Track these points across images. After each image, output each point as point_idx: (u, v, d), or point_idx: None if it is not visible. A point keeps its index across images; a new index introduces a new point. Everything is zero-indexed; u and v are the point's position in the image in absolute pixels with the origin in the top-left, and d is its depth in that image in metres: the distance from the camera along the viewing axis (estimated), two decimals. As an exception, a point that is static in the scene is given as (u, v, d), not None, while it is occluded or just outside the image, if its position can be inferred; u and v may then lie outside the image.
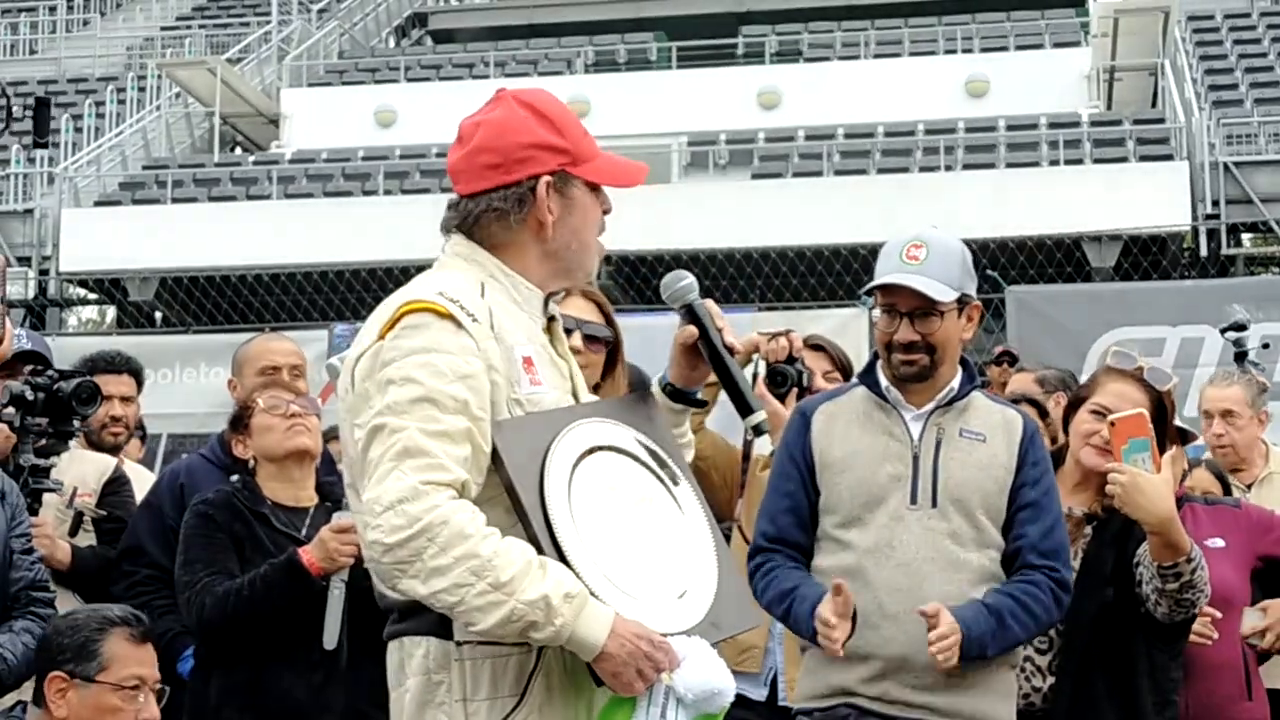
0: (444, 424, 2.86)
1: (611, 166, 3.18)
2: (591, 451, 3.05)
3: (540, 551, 2.87)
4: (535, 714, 2.92)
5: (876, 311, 4.18)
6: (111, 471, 5.58)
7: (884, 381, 4.09)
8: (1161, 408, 4.43)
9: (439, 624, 2.92)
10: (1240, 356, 8.23)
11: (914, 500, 4.00)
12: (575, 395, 3.19)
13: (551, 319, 3.23)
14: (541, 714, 2.93)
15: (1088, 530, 4.39)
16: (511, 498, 2.93)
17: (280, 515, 4.77)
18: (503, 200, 3.10)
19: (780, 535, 4.09)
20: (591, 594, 2.86)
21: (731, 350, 3.28)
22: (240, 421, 4.92)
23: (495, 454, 2.94)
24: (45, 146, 22.97)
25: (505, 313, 3.05)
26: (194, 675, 4.74)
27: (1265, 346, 9.16)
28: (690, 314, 3.29)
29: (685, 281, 3.29)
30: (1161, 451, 4.30)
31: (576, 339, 4.19)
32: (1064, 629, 4.28)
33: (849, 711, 3.96)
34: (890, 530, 3.98)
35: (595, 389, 4.10)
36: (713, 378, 3.33)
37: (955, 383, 4.09)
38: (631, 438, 3.14)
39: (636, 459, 3.13)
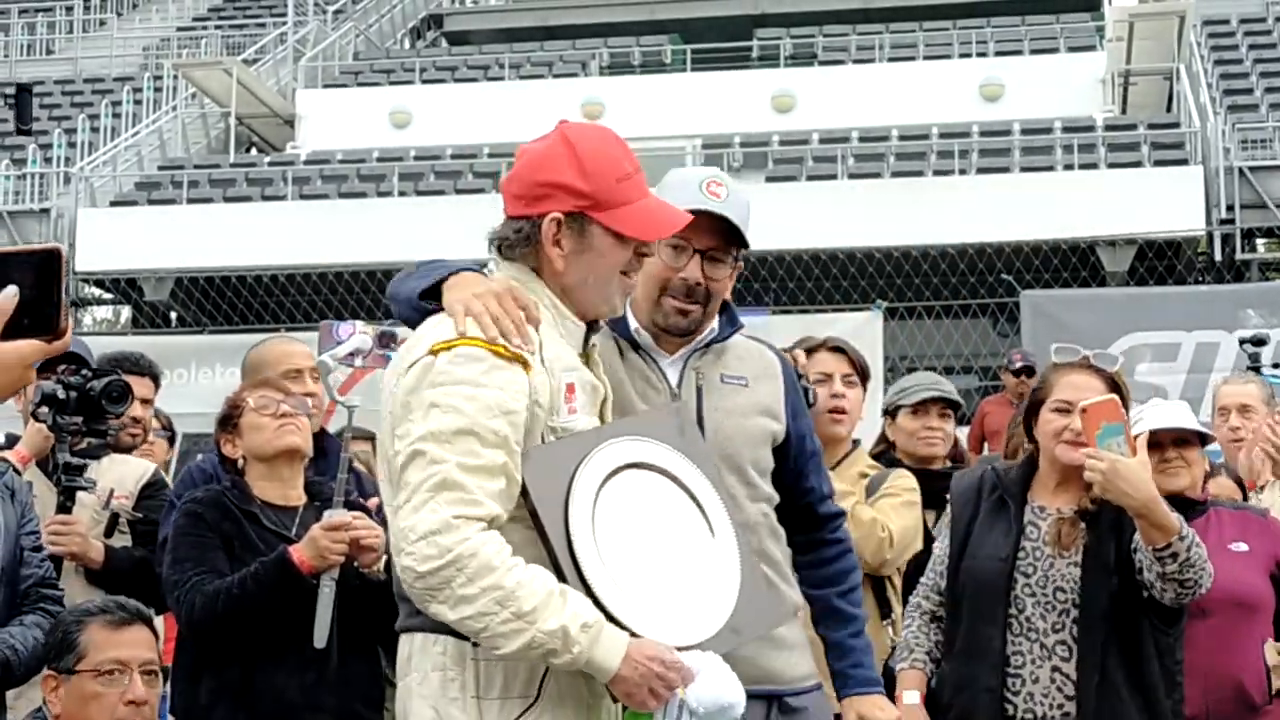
0: (483, 458, 2.99)
1: (637, 216, 3.21)
2: (620, 470, 3.15)
3: (560, 573, 3.01)
4: (547, 714, 3.05)
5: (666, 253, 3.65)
6: (150, 475, 5.62)
7: (634, 323, 3.72)
8: (1117, 388, 4.39)
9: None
10: (1253, 371, 8.25)
11: None
12: (602, 419, 3.29)
13: (591, 345, 3.33)
14: (554, 716, 3.06)
15: (1083, 526, 4.37)
16: (535, 523, 3.05)
17: (270, 514, 4.74)
18: (516, 231, 3.22)
19: None
20: (610, 618, 2.99)
21: None
22: (229, 421, 4.90)
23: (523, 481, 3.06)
24: (29, 134, 23.01)
25: (550, 340, 3.16)
26: (184, 675, 4.73)
27: (1277, 366, 9.17)
28: None
29: None
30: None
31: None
32: (1080, 625, 4.29)
33: None
34: None
35: None
36: None
37: (715, 324, 3.75)
38: (659, 451, 3.22)
39: (664, 472, 3.22)
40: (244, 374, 5.56)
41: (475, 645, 3.04)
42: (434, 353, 3.06)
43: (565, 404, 3.14)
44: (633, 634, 3.00)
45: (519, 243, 3.22)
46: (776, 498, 3.79)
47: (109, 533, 5.37)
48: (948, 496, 4.75)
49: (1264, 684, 5.01)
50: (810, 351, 5.30)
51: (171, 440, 7.41)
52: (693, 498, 3.22)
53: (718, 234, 3.64)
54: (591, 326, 3.31)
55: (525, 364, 3.06)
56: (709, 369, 3.73)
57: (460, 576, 2.92)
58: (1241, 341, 8.90)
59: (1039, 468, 4.52)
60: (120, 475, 5.50)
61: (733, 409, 3.72)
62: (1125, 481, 4.11)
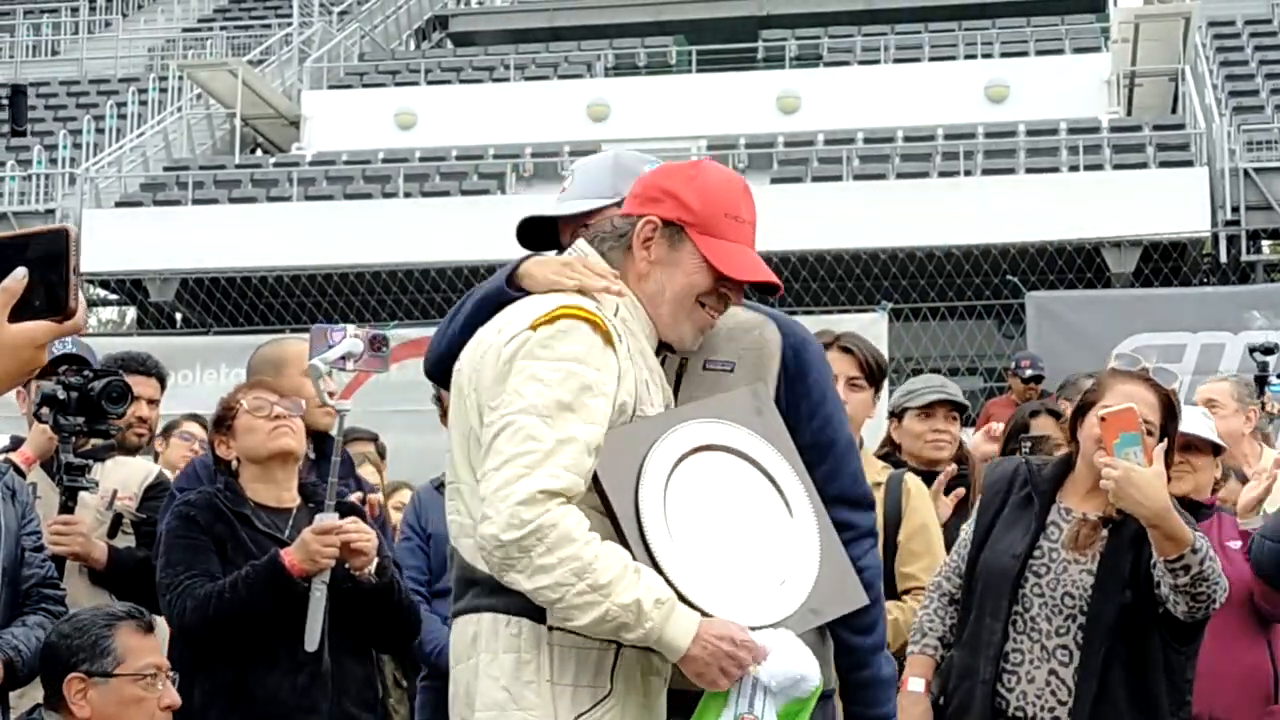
0: (575, 434, 3.02)
1: (732, 253, 3.26)
2: (695, 451, 3.18)
3: (633, 555, 3.04)
4: (619, 706, 3.10)
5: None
6: (154, 477, 5.63)
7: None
8: (1170, 406, 4.39)
9: (534, 606, 3.05)
10: (1260, 380, 8.20)
11: None
12: None
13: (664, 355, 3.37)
14: (624, 706, 3.11)
15: (1104, 533, 4.37)
16: (604, 503, 3.09)
17: (263, 516, 4.74)
18: (619, 224, 3.31)
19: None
20: (681, 598, 3.03)
21: None
22: (223, 422, 4.89)
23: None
24: (24, 135, 22.98)
25: (629, 336, 3.21)
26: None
27: None
28: None
29: None
30: (1170, 451, 4.29)
31: None
32: (1084, 633, 4.29)
33: None
34: None
35: None
36: None
37: None
38: (736, 433, 3.25)
39: (740, 454, 3.24)
40: (254, 371, 5.52)
41: (551, 630, 3.07)
42: (534, 328, 3.10)
43: (646, 395, 3.19)
44: (704, 613, 3.04)
45: (613, 237, 3.30)
46: None
47: (112, 533, 5.38)
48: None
49: (1269, 686, 5.01)
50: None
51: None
52: (770, 479, 3.25)
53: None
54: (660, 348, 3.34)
55: (615, 348, 3.11)
56: (693, 354, 3.43)
57: (540, 546, 2.94)
58: (1251, 350, 8.88)
59: (1075, 469, 4.49)
60: (124, 477, 5.51)
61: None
62: (1139, 490, 4.11)
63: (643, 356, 3.24)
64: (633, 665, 3.12)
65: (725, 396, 3.38)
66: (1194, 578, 4.13)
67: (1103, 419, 4.25)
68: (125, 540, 5.41)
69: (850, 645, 3.45)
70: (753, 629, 3.07)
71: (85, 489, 5.09)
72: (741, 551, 3.16)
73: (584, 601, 2.95)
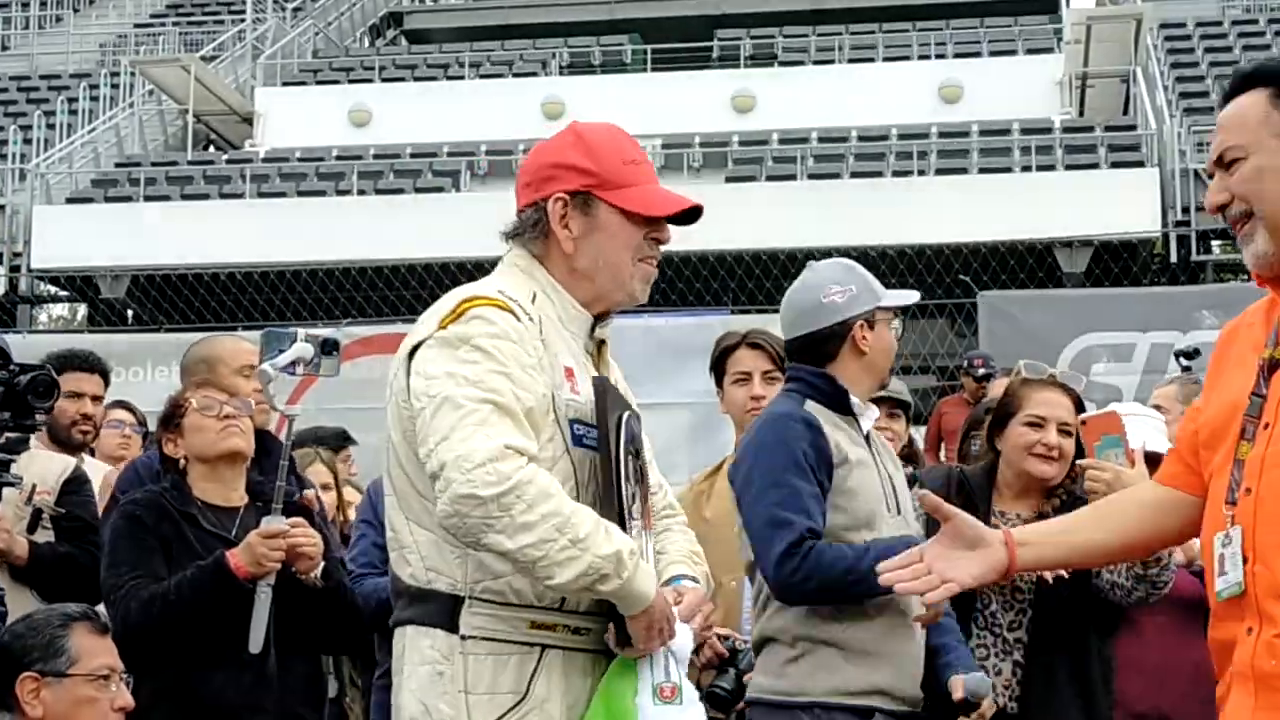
0: (510, 401, 3.03)
1: (645, 195, 3.26)
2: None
3: (606, 506, 3.12)
4: (536, 711, 3.08)
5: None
6: (71, 470, 5.59)
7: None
8: (1079, 403, 4.67)
9: (447, 616, 3.06)
10: None
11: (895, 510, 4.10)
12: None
13: (601, 343, 3.37)
14: (542, 712, 3.09)
15: None
16: (603, 454, 3.14)
17: (209, 515, 4.73)
18: (527, 216, 3.28)
19: (817, 528, 3.97)
20: None
21: None
22: (171, 420, 4.85)
23: (600, 408, 3.16)
24: None
25: (551, 326, 3.21)
26: None
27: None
28: None
29: None
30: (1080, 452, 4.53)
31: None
32: (1031, 625, 4.47)
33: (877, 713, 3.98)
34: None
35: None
36: None
37: None
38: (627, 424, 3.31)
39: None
40: (187, 371, 5.47)
41: (464, 639, 3.06)
42: (443, 326, 3.11)
43: (566, 381, 3.19)
44: None
45: (528, 228, 3.27)
46: None
47: (32, 528, 5.34)
48: None
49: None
50: (729, 350, 5.10)
51: (145, 437, 7.41)
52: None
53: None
54: (599, 318, 3.33)
55: (519, 319, 3.13)
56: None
57: (520, 504, 2.94)
58: (1176, 354, 8.99)
59: (999, 475, 4.69)
60: (42, 471, 5.46)
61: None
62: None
63: (565, 345, 3.23)
64: (557, 669, 3.11)
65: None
66: (1162, 567, 4.35)
67: (1084, 423, 4.47)
68: (45, 535, 5.37)
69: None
70: None
71: (9, 484, 5.05)
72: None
73: (565, 557, 2.96)
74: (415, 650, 3.12)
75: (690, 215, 3.34)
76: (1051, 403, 4.60)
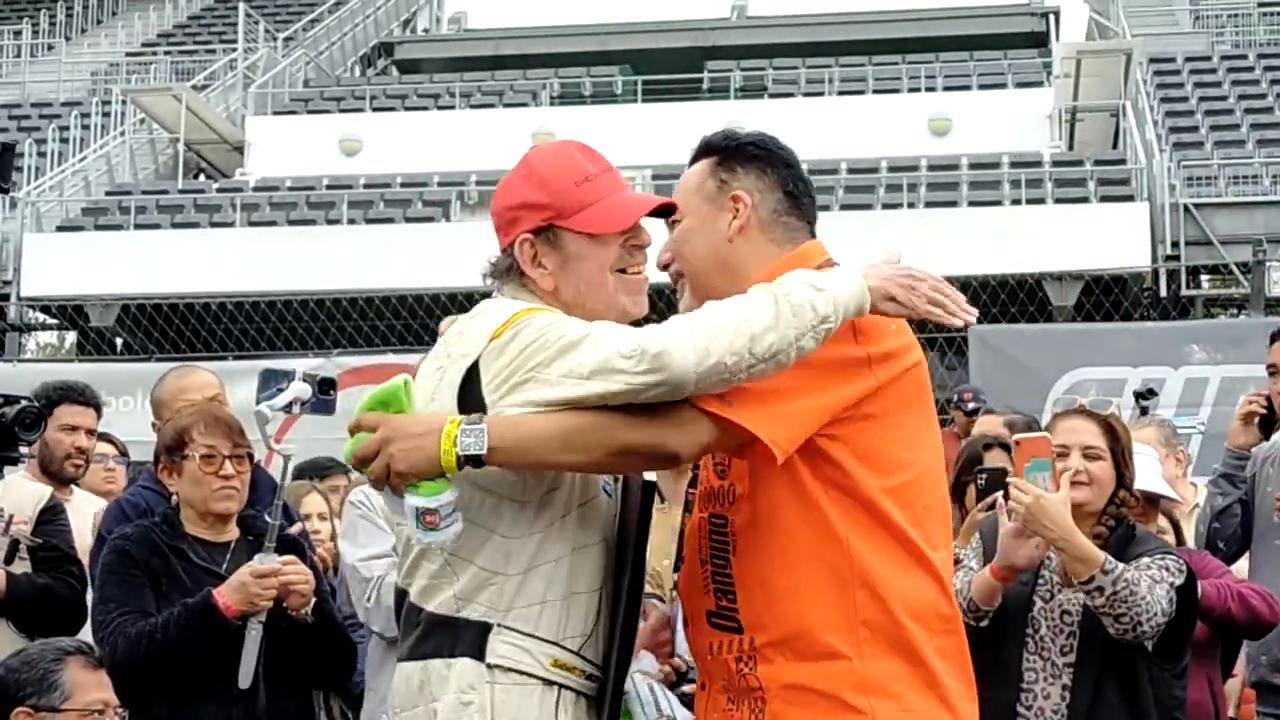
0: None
1: (603, 212, 3.19)
2: None
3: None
4: None
5: None
6: (47, 500, 5.56)
7: None
8: (1112, 429, 4.68)
9: (472, 645, 2.99)
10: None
11: None
12: None
13: None
14: None
15: None
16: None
17: (200, 550, 4.71)
18: (500, 262, 3.23)
19: None
20: None
21: None
22: (174, 452, 4.78)
23: None
24: (6, 192, 22.75)
25: None
26: None
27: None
28: None
29: None
30: (1128, 466, 4.61)
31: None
32: (1079, 649, 4.49)
33: None
34: None
35: None
36: None
37: None
38: None
39: None
40: (161, 402, 5.43)
41: (491, 668, 2.99)
42: (496, 336, 3.02)
43: None
44: None
45: (504, 273, 3.21)
46: None
47: (9, 559, 5.32)
48: None
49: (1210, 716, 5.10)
50: None
51: (129, 466, 7.38)
52: None
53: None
54: None
55: None
56: None
57: (687, 335, 2.91)
58: (1136, 395, 9.07)
59: None
60: (18, 500, 5.44)
61: None
62: (1045, 515, 4.33)
63: None
64: (573, 711, 3.05)
65: None
66: (1109, 598, 4.33)
67: (1017, 443, 4.54)
68: (21, 566, 5.35)
69: None
70: None
71: None
72: None
73: (788, 333, 2.94)
74: (444, 683, 3.02)
75: (663, 212, 3.31)
76: (1075, 430, 4.66)
